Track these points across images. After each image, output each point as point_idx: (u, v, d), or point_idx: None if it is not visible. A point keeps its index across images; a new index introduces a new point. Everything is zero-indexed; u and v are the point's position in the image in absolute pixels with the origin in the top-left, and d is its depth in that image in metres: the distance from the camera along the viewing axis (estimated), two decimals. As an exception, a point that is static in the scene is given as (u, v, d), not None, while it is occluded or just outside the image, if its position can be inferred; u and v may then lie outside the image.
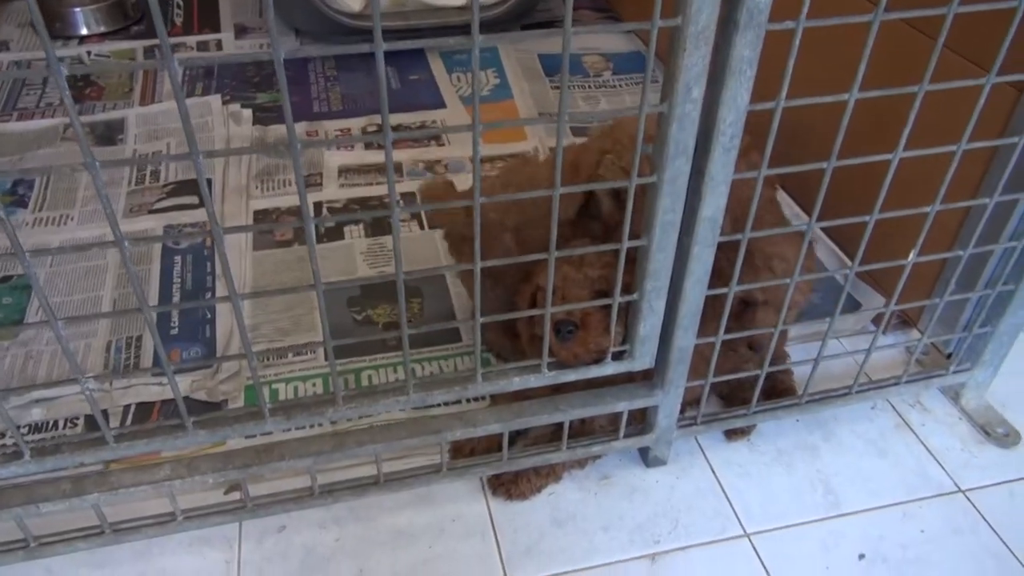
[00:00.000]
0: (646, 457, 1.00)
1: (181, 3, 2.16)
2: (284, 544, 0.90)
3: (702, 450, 1.02)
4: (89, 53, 1.93)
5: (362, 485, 0.90)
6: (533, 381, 0.84)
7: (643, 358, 0.86)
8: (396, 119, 1.69)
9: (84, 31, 1.99)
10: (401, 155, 1.58)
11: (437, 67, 1.90)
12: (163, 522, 0.85)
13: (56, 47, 1.96)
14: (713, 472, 0.99)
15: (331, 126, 1.67)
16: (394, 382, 0.82)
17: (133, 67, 1.62)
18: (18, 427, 0.73)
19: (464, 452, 0.97)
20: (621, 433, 0.95)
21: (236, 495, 0.91)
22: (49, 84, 1.79)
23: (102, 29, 2.01)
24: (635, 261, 0.79)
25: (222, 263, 0.64)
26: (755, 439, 1.04)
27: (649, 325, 0.83)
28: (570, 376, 0.85)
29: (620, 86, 1.84)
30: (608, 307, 0.81)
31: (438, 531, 0.92)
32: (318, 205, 1.44)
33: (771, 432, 1.04)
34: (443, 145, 1.62)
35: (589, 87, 1.84)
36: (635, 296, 0.81)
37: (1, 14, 2.08)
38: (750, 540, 0.92)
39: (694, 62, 0.64)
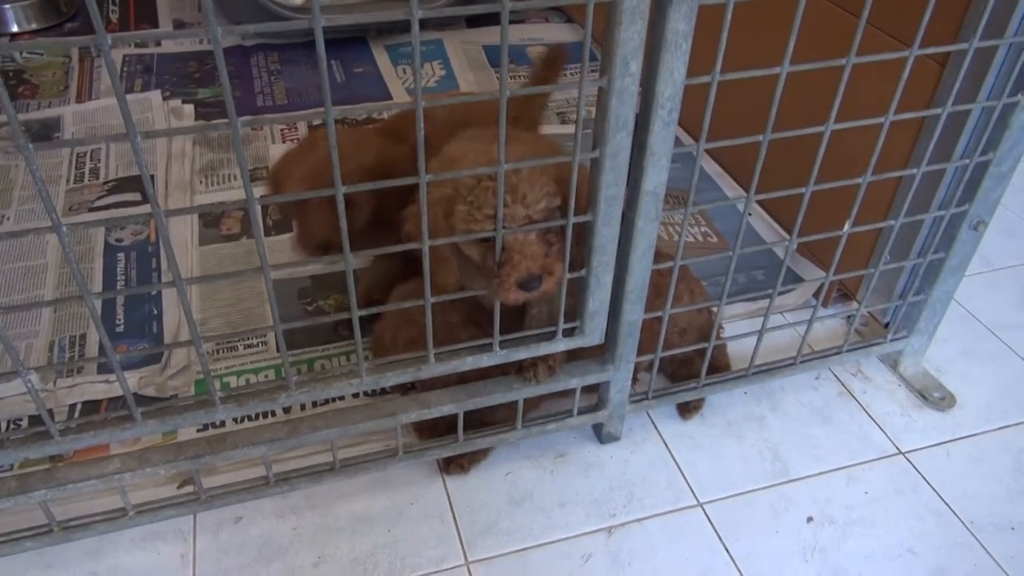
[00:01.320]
0: (600, 433, 1.02)
1: (116, 0, 2.11)
2: (241, 535, 0.90)
3: (654, 425, 1.04)
4: (20, 52, 1.87)
5: (318, 472, 0.90)
6: (486, 360, 0.85)
7: (593, 334, 0.87)
8: (341, 111, 1.67)
9: (15, 28, 1.93)
10: (348, 147, 1.57)
11: (383, 60, 1.89)
12: (114, 518, 0.84)
13: None
14: (666, 445, 1.02)
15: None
16: (346, 365, 0.82)
17: (69, 43, 1.58)
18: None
19: (427, 433, 0.98)
20: (575, 410, 0.96)
21: (189, 489, 0.90)
22: (-21, 83, 1.73)
23: (34, 26, 1.95)
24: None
25: (165, 248, 0.63)
26: (706, 412, 1.06)
27: (598, 300, 0.84)
28: (521, 354, 0.86)
29: (566, 75, 1.86)
30: (544, 232, 0.79)
31: (396, 515, 0.92)
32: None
33: (721, 404, 1.07)
34: (390, 136, 1.61)
35: (535, 77, 1.85)
36: (583, 272, 0.82)
37: None
38: (703, 509, 0.94)
39: (630, 36, 0.66)
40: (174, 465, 0.81)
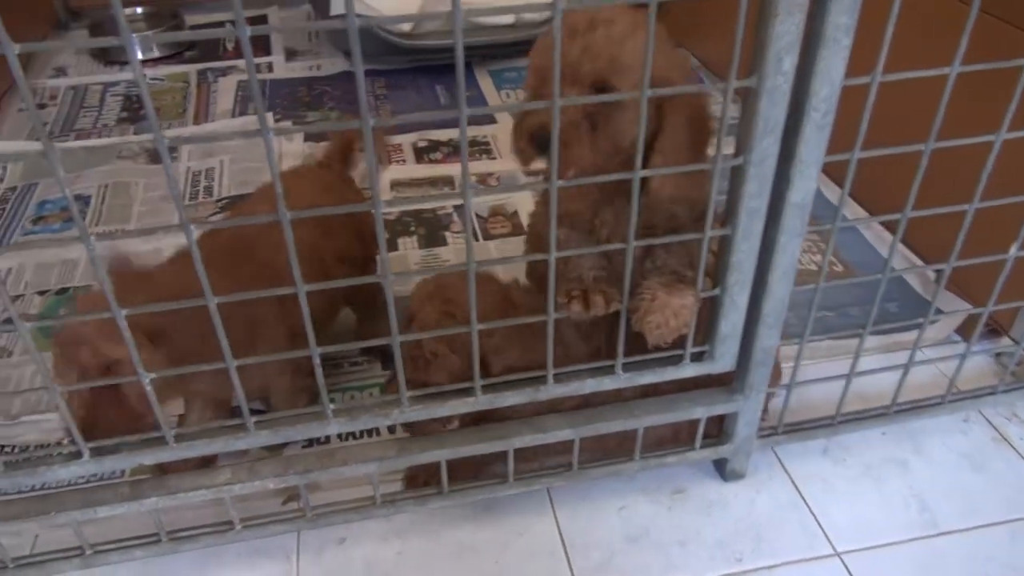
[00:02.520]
0: (722, 470, 0.94)
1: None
2: (344, 557, 0.86)
3: (782, 463, 0.96)
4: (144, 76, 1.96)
5: (425, 495, 0.86)
6: (607, 383, 0.79)
7: (723, 359, 0.81)
8: (445, 135, 1.67)
9: (140, 56, 2.02)
10: (452, 168, 1.56)
11: (486, 85, 1.89)
12: (221, 531, 0.82)
13: (112, 71, 2.00)
14: (795, 486, 0.93)
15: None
16: (461, 384, 0.78)
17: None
18: (81, 436, 0.70)
19: (418, 482, 0.90)
20: (698, 443, 0.89)
21: (294, 506, 0.87)
22: (105, 106, 1.82)
23: (156, 54, 2.04)
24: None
25: (292, 260, 0.61)
26: (838, 452, 0.97)
27: (731, 322, 0.78)
28: (647, 378, 0.81)
29: (673, 100, 1.81)
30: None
31: (503, 545, 0.87)
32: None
33: (855, 445, 0.98)
34: (495, 159, 1.60)
35: (641, 101, 1.81)
36: (716, 291, 0.76)
37: (62, 39, 2.12)
38: (841, 560, 0.85)
39: (786, 30, 0.60)
40: (283, 479, 0.78)
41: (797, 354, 0.85)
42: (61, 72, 1.99)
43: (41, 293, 1.24)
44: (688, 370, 0.81)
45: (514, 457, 0.84)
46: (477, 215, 1.42)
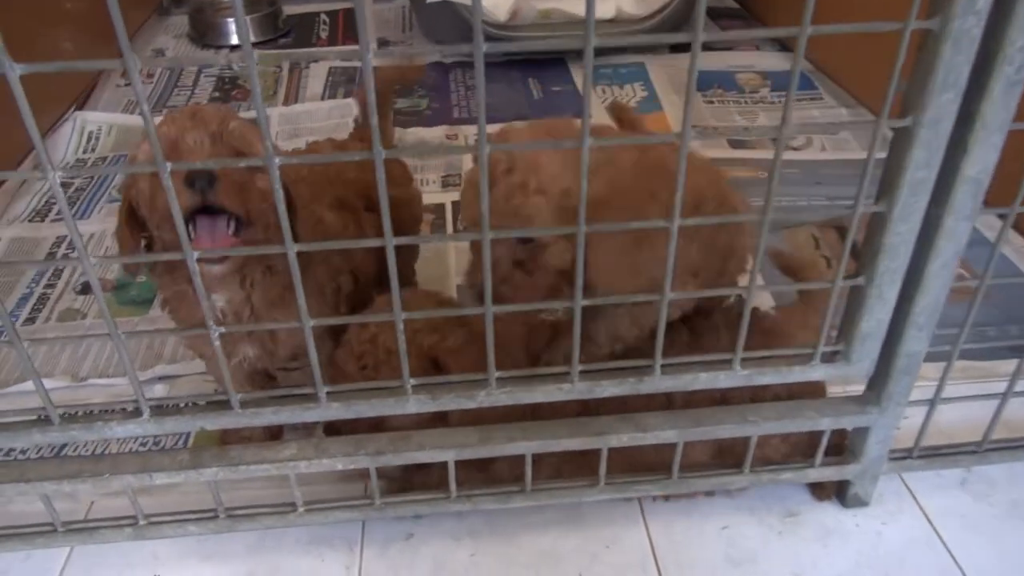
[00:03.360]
0: (843, 494, 0.82)
1: (327, 19, 2.19)
2: (411, 554, 0.78)
3: (911, 493, 0.83)
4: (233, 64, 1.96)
5: (506, 493, 0.77)
6: (723, 379, 0.69)
7: (861, 362, 0.70)
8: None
9: (234, 40, 2.03)
10: (544, 160, 1.48)
11: (581, 80, 1.81)
12: (282, 512, 0.75)
13: (207, 55, 2.00)
14: (929, 522, 0.80)
15: (470, 131, 1.60)
16: (557, 366, 0.70)
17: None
18: (142, 392, 0.65)
19: (392, 488, 0.82)
20: (818, 459, 0.78)
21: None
22: (198, 86, 1.82)
23: (252, 39, 2.04)
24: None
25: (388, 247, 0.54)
26: (981, 486, 0.84)
27: (875, 319, 0.67)
28: (768, 377, 0.70)
29: (780, 102, 1.69)
30: None
31: (590, 557, 0.77)
32: (456, 204, 1.35)
33: (1001, 478, 0.84)
34: (588, 152, 1.52)
35: (745, 102, 1.70)
36: (860, 280, 0.65)
37: (160, 25, 2.16)
38: (987, 609, 0.72)
39: (988, -44, 0.50)
40: (352, 459, 0.71)
41: (946, 365, 0.73)
42: (160, 52, 2.01)
43: (120, 259, 1.22)
44: (818, 371, 0.70)
45: (531, 464, 0.75)
46: (568, 207, 1.33)
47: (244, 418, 0.67)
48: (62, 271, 1.19)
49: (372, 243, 0.57)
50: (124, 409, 0.66)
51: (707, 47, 1.96)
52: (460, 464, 0.73)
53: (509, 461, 0.76)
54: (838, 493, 0.83)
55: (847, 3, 1.66)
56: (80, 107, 1.64)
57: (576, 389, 0.68)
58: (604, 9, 1.84)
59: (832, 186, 1.38)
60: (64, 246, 1.25)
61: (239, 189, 0.66)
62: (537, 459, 0.75)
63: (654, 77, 1.80)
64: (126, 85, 1.80)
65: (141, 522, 0.73)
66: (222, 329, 0.61)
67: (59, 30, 1.61)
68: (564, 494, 0.77)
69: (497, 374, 0.67)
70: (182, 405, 0.67)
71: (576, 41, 0.48)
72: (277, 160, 0.52)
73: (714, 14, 2.15)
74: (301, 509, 0.75)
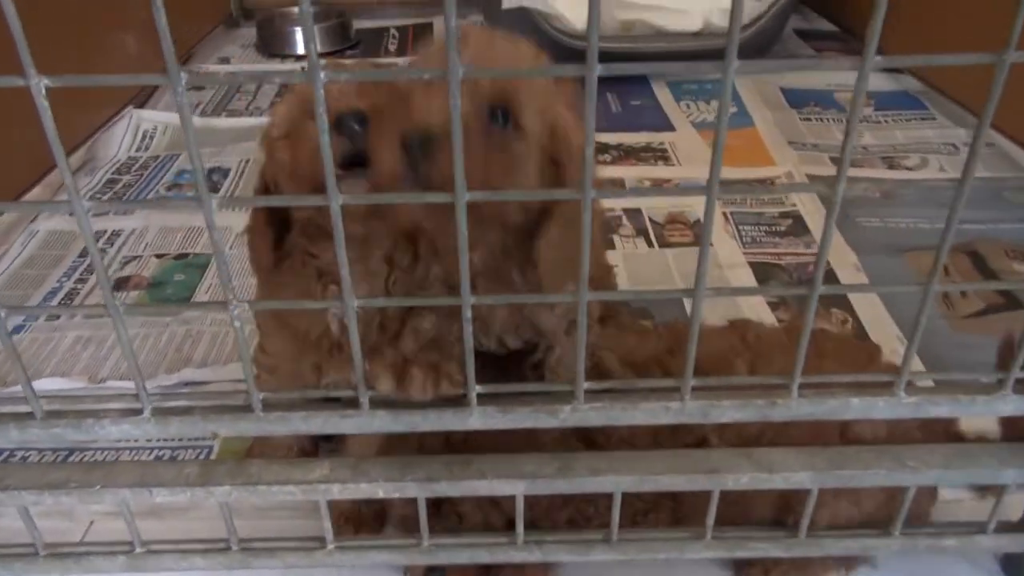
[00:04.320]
0: (1015, 570, 0.64)
1: (396, 32, 2.12)
2: (463, 611, 0.63)
3: (1107, 575, 0.65)
4: (302, 69, 1.89)
5: (585, 541, 0.61)
6: (881, 409, 0.53)
7: (1071, 393, 0.53)
8: (618, 138, 1.47)
9: (300, 51, 1.97)
10: (626, 172, 1.35)
11: (663, 95, 1.68)
12: (308, 548, 0.61)
13: (275, 63, 1.95)
14: None
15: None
16: (663, 379, 0.54)
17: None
18: (143, 384, 0.52)
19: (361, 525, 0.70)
20: (992, 524, 0.60)
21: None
22: (260, 92, 1.75)
23: (320, 49, 1.98)
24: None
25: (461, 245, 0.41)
26: None
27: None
28: (942, 408, 0.53)
29: (886, 122, 1.53)
30: None
31: (689, 631, 0.61)
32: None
33: None
34: (672, 165, 1.37)
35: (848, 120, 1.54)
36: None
37: (227, 35, 2.12)
38: None
39: None
40: (398, 486, 0.56)
41: None
42: (225, 61, 1.96)
43: (159, 256, 1.12)
44: (1008, 404, 0.53)
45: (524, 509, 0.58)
46: (652, 220, 1.19)
47: (266, 424, 0.53)
48: (96, 266, 1.09)
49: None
50: (122, 408, 0.53)
51: (799, 65, 1.81)
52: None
53: (475, 501, 0.62)
54: (1005, 568, 0.65)
55: (950, 14, 1.50)
56: (140, 106, 1.58)
57: (687, 410, 0.53)
58: (691, 22, 1.71)
59: (957, 209, 1.20)
60: (103, 241, 1.16)
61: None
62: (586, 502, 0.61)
63: (743, 92, 1.65)
64: (189, 88, 1.73)
65: (138, 549, 0.60)
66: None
67: (127, 34, 1.56)
68: (657, 547, 0.61)
69: (587, 385, 0.52)
70: (193, 405, 0.54)
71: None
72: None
73: (807, 35, 2.00)
74: (331, 546, 0.60)
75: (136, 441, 0.79)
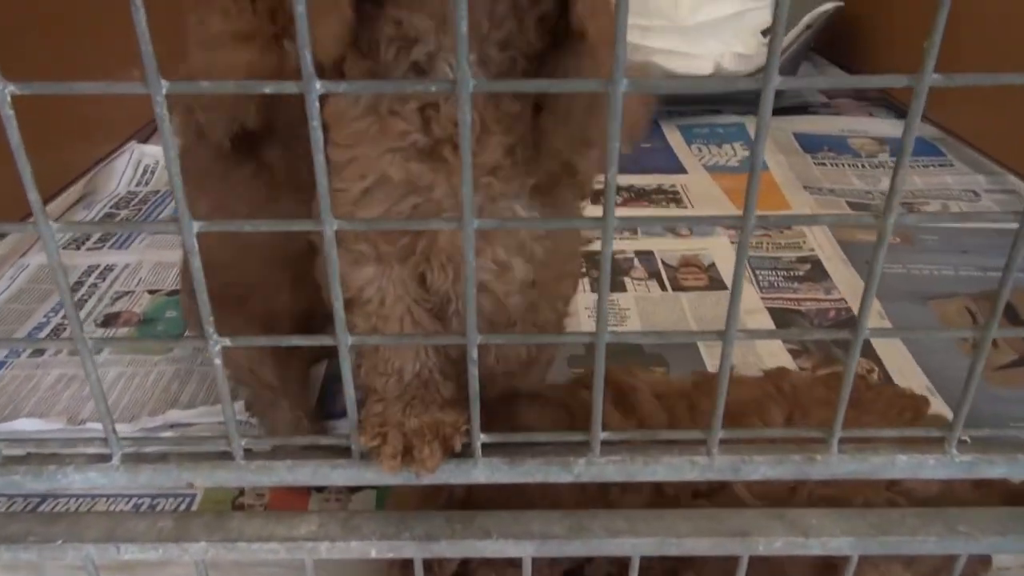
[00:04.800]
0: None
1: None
2: None
3: None
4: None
5: (599, 609, 0.55)
6: (932, 466, 0.48)
7: None
8: (629, 180, 1.44)
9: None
10: (638, 213, 1.31)
11: (674, 138, 1.66)
12: (291, 612, 0.55)
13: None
14: None
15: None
16: (688, 430, 0.49)
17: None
18: (113, 428, 0.47)
19: None
20: (1051, 597, 0.54)
21: (401, 592, 0.59)
22: (266, 130, 1.73)
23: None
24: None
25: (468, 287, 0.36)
26: None
27: None
28: (998, 469, 0.48)
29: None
30: None
31: None
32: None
33: None
34: (684, 207, 1.34)
35: (863, 166, 1.51)
36: None
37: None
38: None
39: None
40: (392, 544, 0.51)
41: None
42: (230, 99, 1.95)
43: (152, 292, 1.08)
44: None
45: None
46: (665, 263, 1.14)
47: (247, 473, 0.48)
48: (86, 300, 1.05)
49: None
50: (88, 452, 0.48)
51: (813, 111, 1.79)
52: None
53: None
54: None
55: (966, 55, 1.48)
56: (144, 140, 1.56)
57: (715, 465, 0.48)
58: (702, 66, 1.70)
59: (981, 255, 1.16)
60: (95, 275, 1.11)
61: None
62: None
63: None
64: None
65: (103, 612, 0.54)
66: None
67: (136, 68, 1.55)
68: (681, 619, 0.55)
69: (604, 435, 0.47)
70: (169, 451, 0.49)
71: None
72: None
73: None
74: (317, 610, 0.54)
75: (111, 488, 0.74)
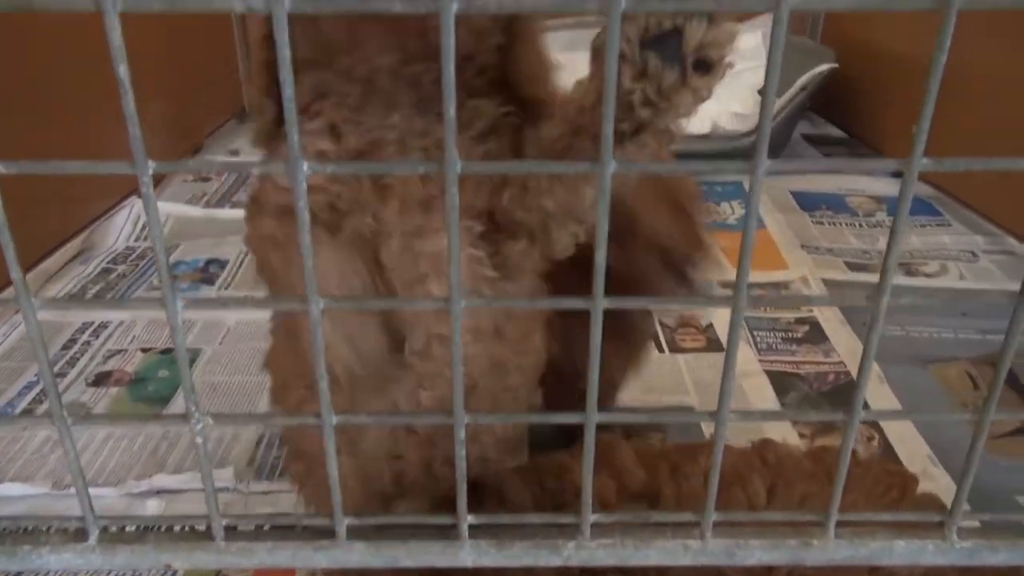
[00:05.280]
0: None
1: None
2: None
3: None
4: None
5: None
6: (931, 552, 0.46)
7: None
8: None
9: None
10: (633, 272, 1.31)
11: (671, 195, 1.66)
12: None
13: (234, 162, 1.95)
14: None
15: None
16: (681, 514, 0.48)
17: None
18: (91, 506, 0.46)
19: None
20: None
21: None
22: (267, 185, 1.75)
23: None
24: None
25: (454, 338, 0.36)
26: None
27: None
28: (999, 556, 0.47)
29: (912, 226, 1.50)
30: None
31: None
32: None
33: None
34: (683, 267, 1.34)
35: (860, 225, 1.51)
36: None
37: (238, 128, 2.14)
38: None
39: None
40: (376, 630, 0.49)
41: None
42: (235, 153, 1.97)
43: (145, 350, 1.07)
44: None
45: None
46: (662, 323, 1.14)
47: (227, 556, 0.46)
48: (78, 358, 1.04)
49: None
50: (64, 529, 0.47)
51: (808, 169, 1.81)
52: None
53: None
54: None
55: (964, 117, 1.50)
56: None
57: (709, 549, 0.46)
58: (699, 125, 1.72)
59: (980, 318, 1.16)
60: (89, 332, 1.11)
61: None
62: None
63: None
64: (193, 180, 1.73)
65: None
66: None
67: (145, 130, 1.57)
68: None
69: (594, 518, 0.45)
70: (149, 529, 0.48)
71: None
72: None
73: (815, 140, 2.01)
74: None
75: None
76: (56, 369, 1.02)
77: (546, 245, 0.53)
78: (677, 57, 0.39)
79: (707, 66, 0.40)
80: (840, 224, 1.52)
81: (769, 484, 0.58)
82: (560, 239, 0.52)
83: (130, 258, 1.35)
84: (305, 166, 0.36)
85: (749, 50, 1.79)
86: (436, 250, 0.51)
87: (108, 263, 1.32)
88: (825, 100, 1.96)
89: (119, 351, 1.06)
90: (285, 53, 0.34)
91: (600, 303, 0.39)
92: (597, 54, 0.43)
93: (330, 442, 0.43)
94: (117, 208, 1.48)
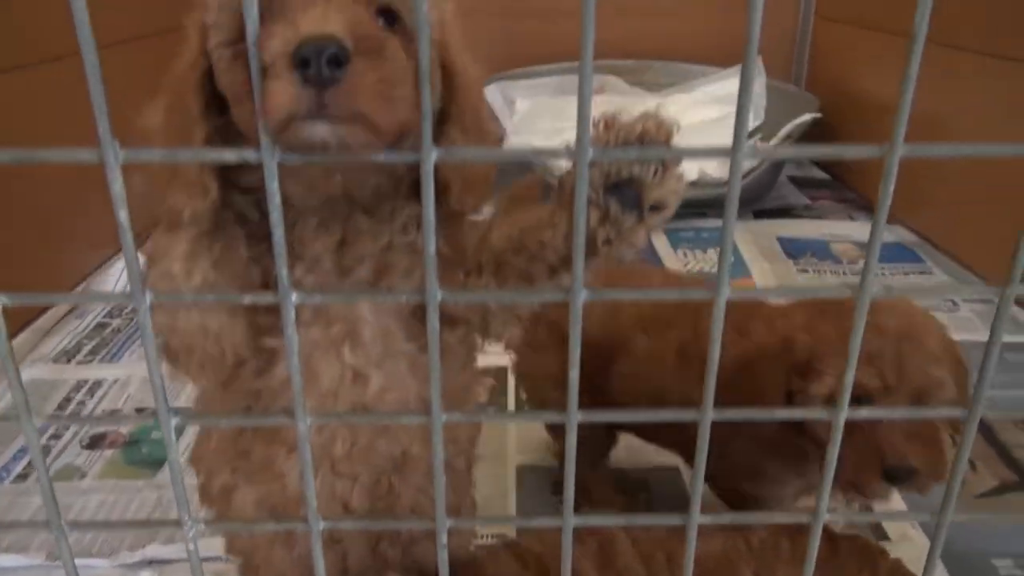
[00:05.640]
0: None
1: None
2: None
3: None
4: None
5: None
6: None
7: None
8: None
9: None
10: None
11: (660, 242, 1.69)
12: None
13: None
14: None
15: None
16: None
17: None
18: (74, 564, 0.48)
19: None
20: None
21: None
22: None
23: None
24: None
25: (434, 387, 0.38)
26: None
27: None
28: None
29: (883, 274, 1.53)
30: None
31: None
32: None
33: None
34: (670, 318, 1.36)
35: (844, 273, 1.54)
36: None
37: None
38: None
39: None
40: None
41: None
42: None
43: (140, 410, 1.08)
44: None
45: None
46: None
47: (218, 654, 0.48)
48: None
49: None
50: (60, 628, 0.48)
51: (796, 215, 1.84)
52: None
53: None
54: None
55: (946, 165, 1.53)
56: (139, 246, 1.59)
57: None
58: (686, 171, 1.75)
59: (961, 371, 1.18)
60: (83, 391, 1.12)
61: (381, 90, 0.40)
62: None
63: (740, 242, 1.67)
64: (189, 228, 1.75)
65: None
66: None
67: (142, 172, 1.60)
68: None
69: (573, 616, 0.47)
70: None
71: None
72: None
73: (801, 183, 2.05)
74: None
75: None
76: (53, 429, 1.03)
77: (485, 334, 0.54)
78: (636, 204, 0.42)
79: (661, 208, 0.43)
80: (824, 272, 1.55)
81: (754, 572, 0.60)
82: (502, 332, 0.54)
83: (125, 311, 1.37)
84: (294, 296, 0.38)
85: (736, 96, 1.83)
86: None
87: (103, 317, 1.34)
88: (810, 143, 2.00)
89: (114, 411, 1.08)
90: (276, 201, 0.37)
91: (575, 417, 0.41)
92: (563, 188, 0.46)
93: (317, 546, 0.44)
94: (112, 261, 1.49)
